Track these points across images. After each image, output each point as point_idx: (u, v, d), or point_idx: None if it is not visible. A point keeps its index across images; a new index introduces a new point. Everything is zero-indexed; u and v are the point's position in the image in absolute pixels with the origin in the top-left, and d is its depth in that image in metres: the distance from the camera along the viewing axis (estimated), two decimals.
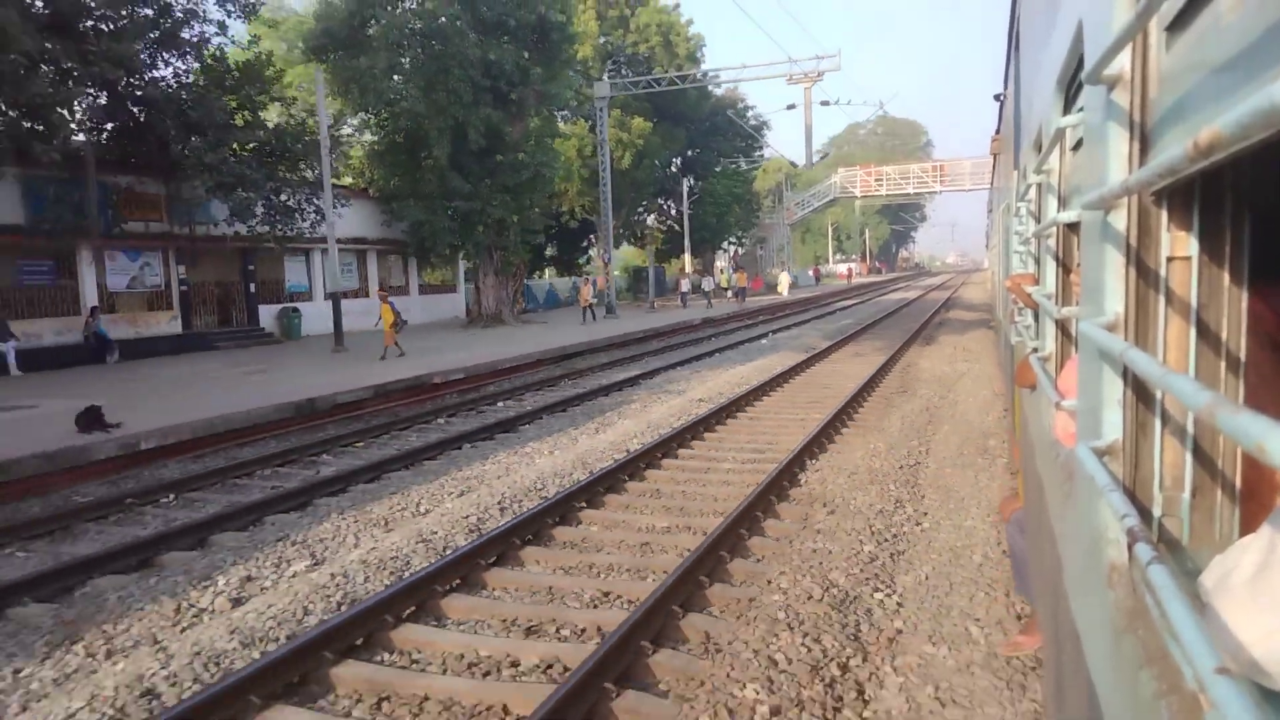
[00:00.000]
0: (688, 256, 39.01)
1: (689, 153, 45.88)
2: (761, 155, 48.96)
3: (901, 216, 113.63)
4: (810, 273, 65.43)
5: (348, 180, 21.54)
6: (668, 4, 36.08)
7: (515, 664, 4.19)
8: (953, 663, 3.91)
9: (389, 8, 21.36)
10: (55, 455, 8.39)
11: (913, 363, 15.53)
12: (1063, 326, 2.74)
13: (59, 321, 17.27)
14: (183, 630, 4.66)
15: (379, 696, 3.93)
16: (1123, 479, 1.29)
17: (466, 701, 3.81)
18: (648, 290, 36.70)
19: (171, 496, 7.87)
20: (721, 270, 45.84)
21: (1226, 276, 1.13)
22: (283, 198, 18.50)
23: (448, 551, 5.66)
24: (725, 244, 49.75)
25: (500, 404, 13.07)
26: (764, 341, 21.25)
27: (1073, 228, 2.46)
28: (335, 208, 19.05)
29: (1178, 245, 1.16)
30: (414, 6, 22.42)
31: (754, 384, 12.66)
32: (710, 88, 40.59)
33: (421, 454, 9.01)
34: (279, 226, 18.56)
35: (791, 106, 26.54)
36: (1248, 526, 1.11)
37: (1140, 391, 1.26)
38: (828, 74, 26.11)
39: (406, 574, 5.29)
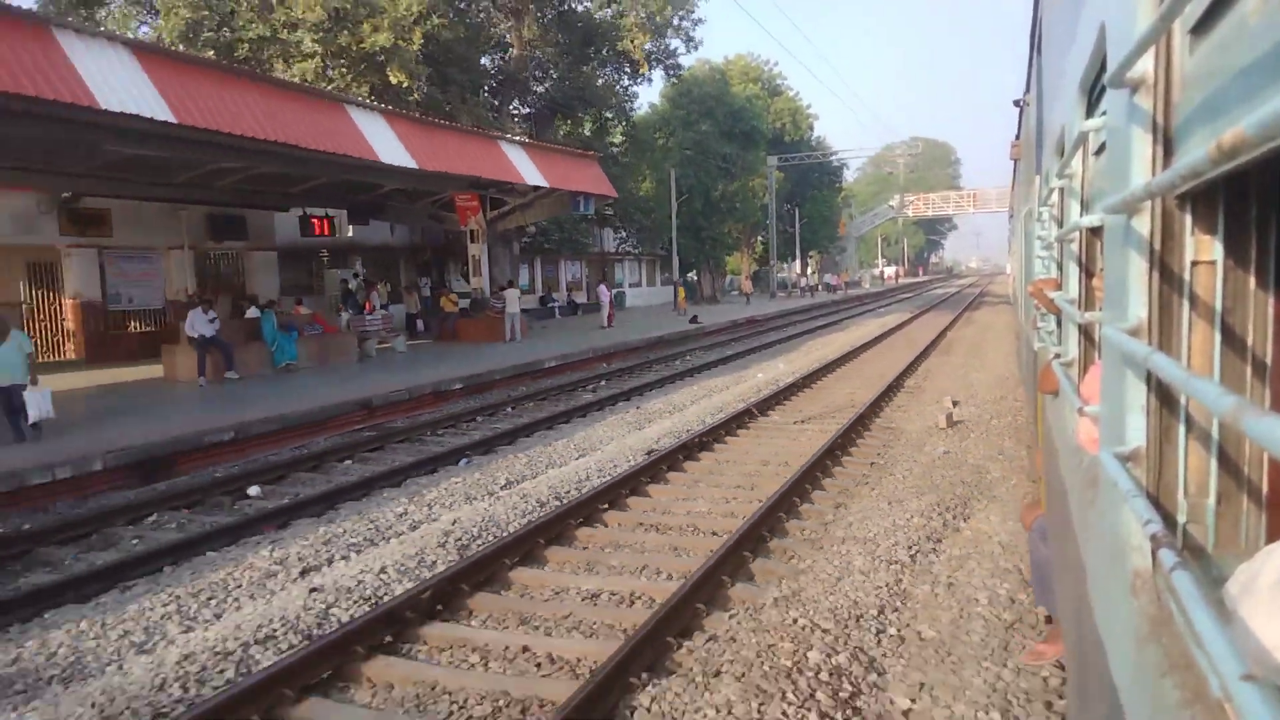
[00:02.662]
0: (799, 262, 54.47)
1: (790, 186, 61.07)
2: (841, 186, 64.15)
3: (934, 226, 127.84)
4: (879, 274, 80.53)
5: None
6: (792, 93, 51.50)
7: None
8: (998, 344, 19.42)
9: (678, 130, 37.14)
10: (687, 330, 24.05)
11: (970, 317, 30.88)
12: (1085, 331, 2.61)
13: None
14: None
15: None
16: (1146, 485, 1.25)
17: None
18: (772, 284, 52.19)
19: (709, 347, 23.46)
20: (813, 271, 61.10)
21: (1252, 280, 1.08)
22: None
23: (826, 358, 21.17)
24: (811, 252, 64.95)
25: (788, 329, 28.55)
26: (881, 310, 36.71)
27: (1095, 232, 2.35)
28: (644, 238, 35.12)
29: (1202, 249, 1.11)
30: (682, 127, 38.21)
31: (900, 321, 28.03)
32: (806, 137, 55.70)
33: (789, 338, 24.55)
34: (636, 247, 34.62)
35: (890, 173, 41.88)
36: (1275, 533, 1.06)
37: (1164, 397, 1.21)
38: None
39: (809, 367, 20.79)
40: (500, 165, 14.95)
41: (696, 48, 30.89)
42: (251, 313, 14.54)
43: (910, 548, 5.71)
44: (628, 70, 30.77)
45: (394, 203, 19.33)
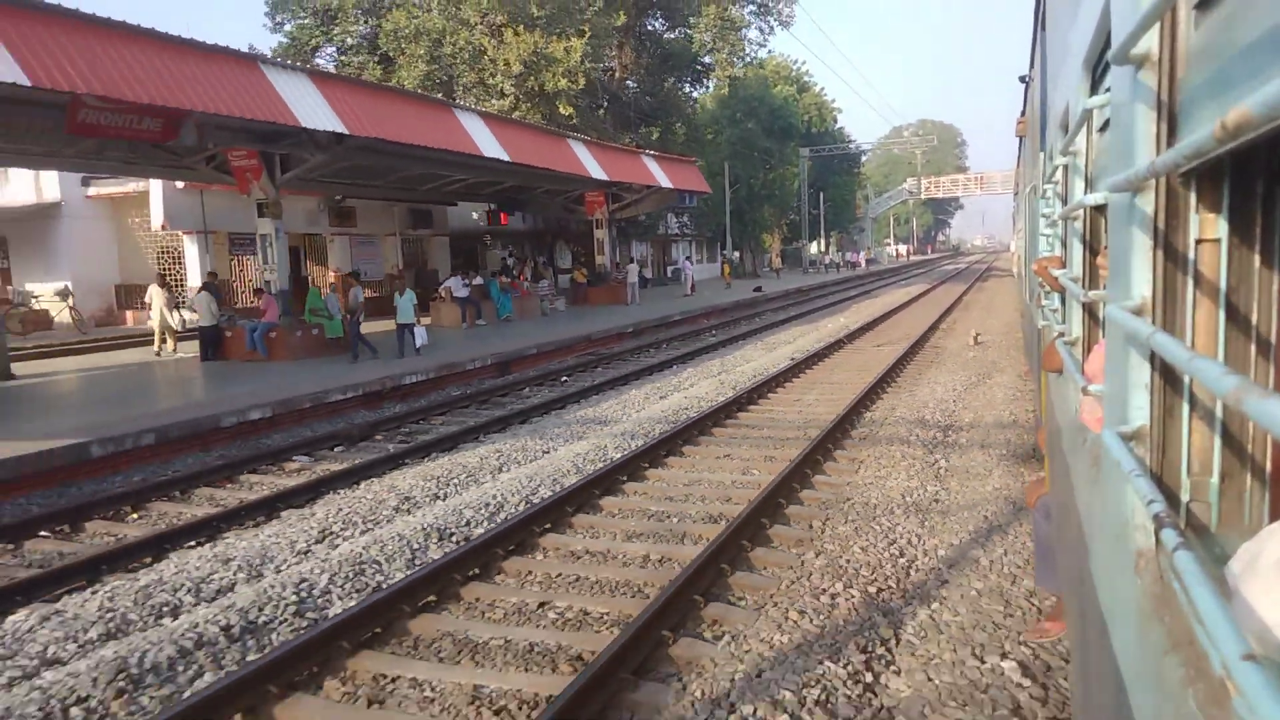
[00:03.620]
0: (824, 241, 59.83)
1: (815, 173, 66.45)
2: (860, 172, 69.32)
3: (942, 206, 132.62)
4: (892, 252, 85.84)
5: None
6: (817, 89, 56.69)
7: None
8: (1004, 305, 24.89)
9: (725, 128, 42.51)
10: (755, 298, 29.53)
11: (980, 286, 36.21)
12: (1089, 310, 2.60)
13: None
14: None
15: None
16: (1150, 464, 1.25)
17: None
18: (805, 261, 57.62)
19: (779, 308, 28.93)
20: (835, 250, 66.47)
21: (1257, 259, 1.07)
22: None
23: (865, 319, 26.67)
24: (833, 232, 70.25)
25: (831, 297, 33.95)
26: (901, 282, 42.12)
27: (1100, 210, 2.34)
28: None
29: (1206, 227, 1.10)
30: (729, 125, 43.54)
31: (922, 290, 33.34)
32: (830, 128, 60.97)
33: (836, 302, 29.98)
34: (691, 229, 40.11)
35: (910, 163, 47.06)
36: (1278, 512, 1.06)
37: (1168, 376, 1.21)
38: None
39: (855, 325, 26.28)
40: (645, 173, 20.42)
41: (754, 63, 36.08)
42: (477, 280, 20.12)
43: (962, 386, 11.26)
44: (688, 80, 36.09)
45: (536, 198, 24.81)
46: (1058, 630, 3.86)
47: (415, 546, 5.55)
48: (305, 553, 5.58)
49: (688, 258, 32.13)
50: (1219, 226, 1.08)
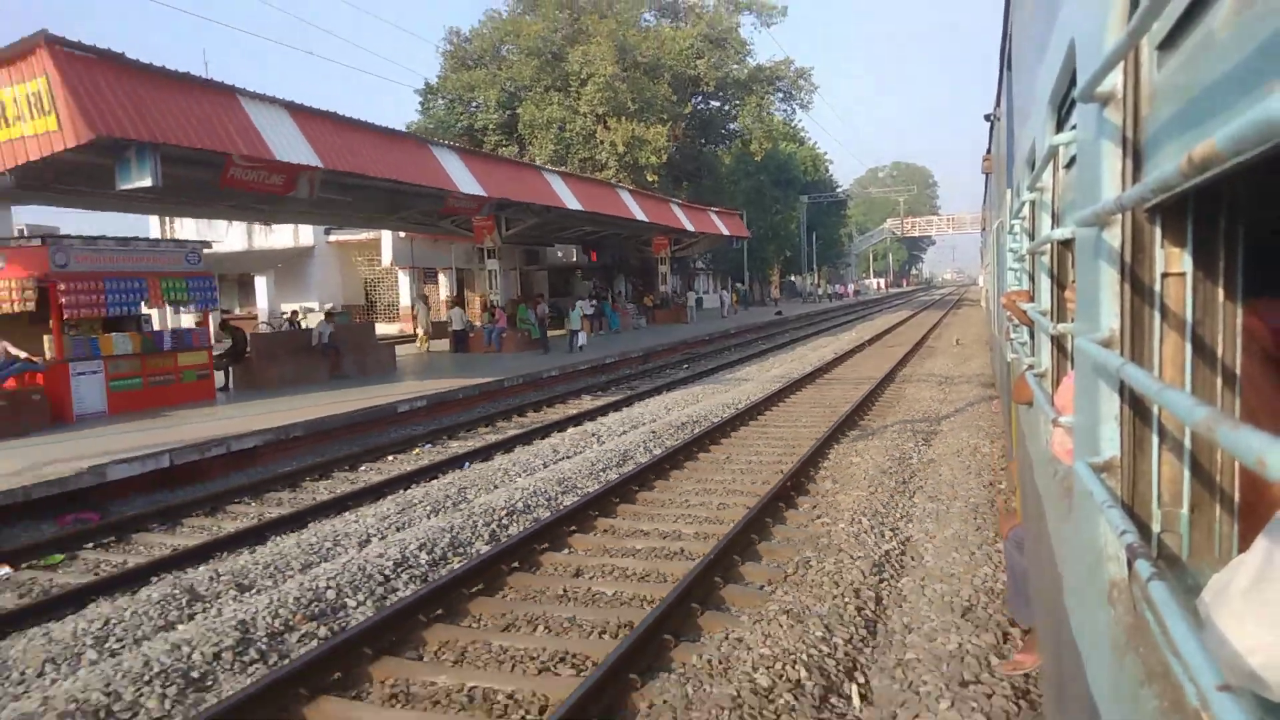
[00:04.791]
0: (816, 274, 67.46)
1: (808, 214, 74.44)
2: (845, 215, 77.41)
3: (916, 243, 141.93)
4: (873, 285, 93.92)
5: None
6: (812, 143, 64.75)
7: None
8: (976, 324, 32.11)
9: (742, 180, 50.01)
10: (779, 319, 36.47)
11: (954, 312, 43.59)
12: (1058, 342, 2.67)
13: None
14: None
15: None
16: (1121, 495, 1.25)
17: None
18: (803, 292, 65.00)
19: (800, 327, 35.91)
20: (827, 282, 74.17)
21: (1221, 292, 1.10)
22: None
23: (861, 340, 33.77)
24: (822, 266, 78.06)
25: (836, 320, 40.99)
26: (887, 310, 49.45)
27: (1066, 244, 2.39)
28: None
29: (1172, 261, 1.13)
30: (744, 178, 51.10)
31: (907, 316, 40.55)
32: (823, 177, 69.16)
33: (844, 323, 37.04)
34: (710, 264, 47.25)
35: (895, 210, 54.82)
36: (1246, 541, 1.04)
37: (1137, 407, 1.22)
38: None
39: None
40: (711, 224, 27.45)
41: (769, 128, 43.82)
42: (593, 303, 26.91)
43: (953, 363, 18.20)
44: (716, 142, 43.44)
45: (614, 239, 31.71)
46: (1031, 663, 3.87)
47: (719, 412, 12.34)
48: (666, 413, 12.32)
49: (725, 287, 39.12)
50: (1184, 261, 1.10)
